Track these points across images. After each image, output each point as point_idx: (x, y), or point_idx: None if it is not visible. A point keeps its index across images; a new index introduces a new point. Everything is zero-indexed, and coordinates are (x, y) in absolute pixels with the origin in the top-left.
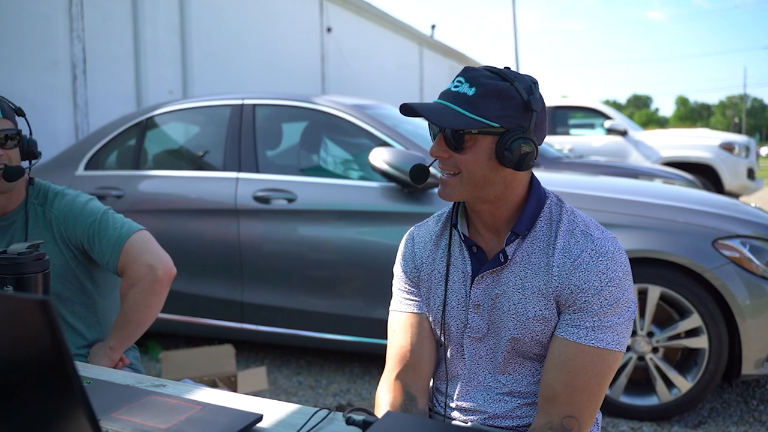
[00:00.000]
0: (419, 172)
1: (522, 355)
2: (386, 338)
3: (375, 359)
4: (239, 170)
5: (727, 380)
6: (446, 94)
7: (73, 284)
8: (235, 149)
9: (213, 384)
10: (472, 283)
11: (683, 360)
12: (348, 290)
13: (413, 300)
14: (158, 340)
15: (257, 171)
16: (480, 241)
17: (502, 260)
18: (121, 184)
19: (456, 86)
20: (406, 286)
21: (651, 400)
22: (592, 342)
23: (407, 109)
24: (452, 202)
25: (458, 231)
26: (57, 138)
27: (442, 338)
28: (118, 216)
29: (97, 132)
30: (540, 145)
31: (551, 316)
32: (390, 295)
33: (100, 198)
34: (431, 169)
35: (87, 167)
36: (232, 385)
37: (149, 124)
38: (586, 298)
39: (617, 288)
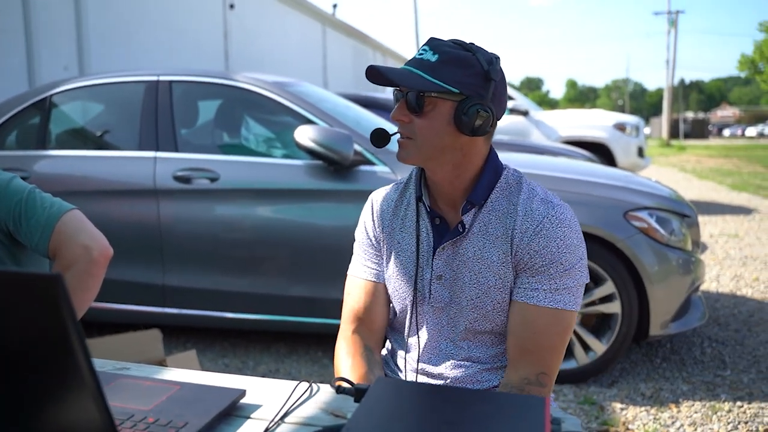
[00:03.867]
0: (380, 135)
1: (483, 322)
2: (310, 317)
3: (300, 338)
4: (157, 149)
5: (635, 341)
6: (411, 61)
7: None
8: (152, 128)
9: None
10: (434, 255)
11: (598, 325)
12: (273, 270)
13: (371, 268)
14: None
15: (176, 150)
16: (441, 213)
17: (461, 230)
18: (25, 164)
19: (421, 54)
20: (367, 250)
21: (570, 364)
22: (551, 304)
23: (373, 74)
24: (414, 174)
25: (424, 203)
26: None
27: (408, 309)
28: (45, 195)
29: None
30: (499, 117)
31: (511, 284)
32: (314, 273)
33: None
34: (356, 146)
35: None
36: None
37: (54, 101)
38: (544, 263)
39: (573, 254)
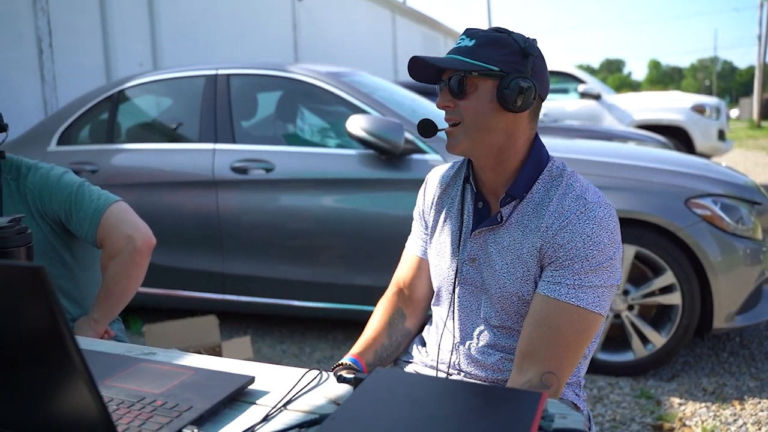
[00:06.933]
0: (426, 125)
1: (510, 313)
2: (366, 305)
3: (357, 326)
4: (216, 141)
5: (699, 335)
6: (451, 50)
7: (53, 259)
8: (211, 120)
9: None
10: (469, 236)
11: (658, 316)
12: (328, 258)
13: (418, 243)
14: (139, 315)
15: (234, 142)
16: (486, 198)
17: (499, 220)
18: (95, 158)
19: (459, 42)
20: (418, 226)
21: (627, 356)
22: (573, 300)
23: (414, 66)
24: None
25: (471, 185)
26: (24, 113)
27: (444, 287)
28: (94, 188)
29: (68, 107)
30: (542, 94)
31: (536, 277)
32: (366, 260)
33: (75, 173)
34: (407, 135)
35: (59, 143)
36: (216, 356)
37: (121, 97)
38: (569, 257)
39: (600, 252)
